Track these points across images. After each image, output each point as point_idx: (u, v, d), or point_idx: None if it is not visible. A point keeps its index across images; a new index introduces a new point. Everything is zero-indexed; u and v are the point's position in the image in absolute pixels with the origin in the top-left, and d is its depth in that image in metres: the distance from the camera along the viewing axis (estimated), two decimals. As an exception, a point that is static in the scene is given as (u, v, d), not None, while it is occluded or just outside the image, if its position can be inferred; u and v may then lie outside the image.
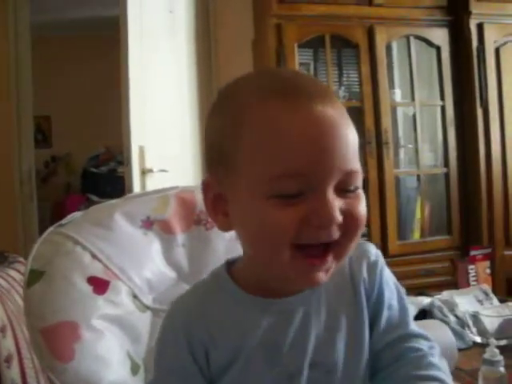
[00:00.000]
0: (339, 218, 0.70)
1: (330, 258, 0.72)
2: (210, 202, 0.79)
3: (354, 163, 0.72)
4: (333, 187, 0.70)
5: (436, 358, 0.79)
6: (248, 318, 0.77)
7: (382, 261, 0.83)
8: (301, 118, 0.70)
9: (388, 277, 0.83)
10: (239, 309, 0.78)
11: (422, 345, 0.80)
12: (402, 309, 0.82)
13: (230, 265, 0.83)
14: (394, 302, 0.81)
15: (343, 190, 0.71)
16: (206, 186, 0.79)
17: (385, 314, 0.80)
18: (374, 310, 0.80)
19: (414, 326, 0.82)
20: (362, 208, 0.73)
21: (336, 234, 0.71)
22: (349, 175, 0.71)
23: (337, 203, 0.70)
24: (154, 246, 1.08)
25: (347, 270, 0.81)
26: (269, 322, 0.76)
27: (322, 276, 0.73)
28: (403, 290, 0.85)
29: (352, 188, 0.72)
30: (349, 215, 0.71)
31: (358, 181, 0.73)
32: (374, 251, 0.83)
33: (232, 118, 0.74)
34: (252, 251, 0.77)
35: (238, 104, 0.74)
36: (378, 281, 0.81)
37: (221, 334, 0.76)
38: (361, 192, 0.74)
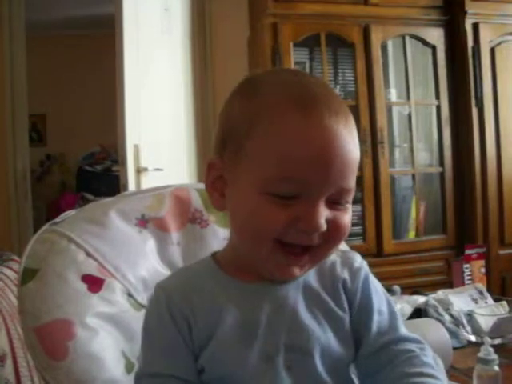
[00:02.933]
0: (324, 226, 0.75)
1: (306, 258, 0.78)
2: (210, 180, 0.83)
3: (351, 181, 0.77)
4: (325, 198, 0.75)
5: (429, 358, 0.81)
6: (226, 297, 0.80)
7: (366, 268, 0.87)
8: (312, 130, 0.74)
9: (375, 284, 0.86)
10: (218, 288, 0.81)
11: (414, 347, 0.82)
12: (392, 314, 0.84)
13: (215, 254, 0.88)
14: (384, 308, 0.84)
15: (334, 203, 0.77)
16: (210, 165, 0.83)
17: (375, 318, 0.82)
18: (362, 314, 0.83)
19: (405, 330, 0.84)
20: (347, 220, 0.79)
21: (316, 240, 0.77)
22: (343, 191, 0.77)
23: (325, 213, 0.76)
24: (149, 245, 1.07)
25: (327, 270, 0.85)
26: (246, 302, 0.80)
27: (297, 271, 0.79)
28: (390, 297, 0.88)
29: (343, 202, 0.78)
30: (334, 226, 0.77)
31: (350, 197, 0.79)
32: (358, 259, 0.87)
33: (251, 113, 0.78)
34: (237, 237, 0.82)
35: (259, 102, 0.78)
36: (361, 285, 0.84)
37: (200, 310, 0.79)
38: (349, 206, 0.79)
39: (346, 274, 0.84)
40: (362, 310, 0.83)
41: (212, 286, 0.82)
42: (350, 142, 0.76)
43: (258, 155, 0.76)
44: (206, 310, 0.79)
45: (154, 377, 0.78)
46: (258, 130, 0.76)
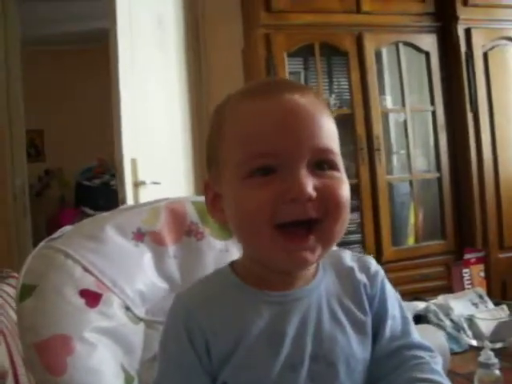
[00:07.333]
0: (312, 193, 0.73)
1: (311, 238, 0.74)
2: (209, 201, 0.84)
3: (324, 142, 0.76)
4: (305, 165, 0.74)
5: (439, 366, 0.82)
6: (249, 308, 0.79)
7: (382, 273, 0.87)
8: (268, 104, 0.76)
9: (390, 288, 0.87)
10: (240, 300, 0.80)
11: (424, 354, 0.82)
12: (404, 319, 0.85)
13: (233, 263, 0.86)
14: (397, 313, 0.85)
15: (318, 169, 0.75)
16: (206, 187, 0.84)
17: (389, 323, 0.83)
18: (377, 318, 0.83)
19: (417, 336, 0.85)
20: (340, 189, 0.76)
21: (312, 211, 0.74)
22: (320, 153, 0.75)
23: (310, 180, 0.73)
24: (146, 258, 1.08)
25: (347, 275, 0.85)
26: (271, 313, 0.78)
27: (308, 255, 0.75)
28: (402, 302, 0.88)
29: (326, 166, 0.76)
30: (325, 193, 0.74)
31: (333, 160, 0.77)
32: (374, 263, 0.88)
33: (217, 122, 0.82)
34: (239, 238, 0.81)
35: (222, 110, 0.83)
36: (379, 289, 0.85)
37: (222, 324, 0.78)
38: (339, 174, 0.77)
39: (364, 279, 0.84)
40: (378, 314, 0.83)
41: (234, 297, 0.80)
42: (311, 108, 0.76)
43: (230, 148, 0.78)
44: (229, 322, 0.78)
45: None
46: (225, 127, 0.79)
